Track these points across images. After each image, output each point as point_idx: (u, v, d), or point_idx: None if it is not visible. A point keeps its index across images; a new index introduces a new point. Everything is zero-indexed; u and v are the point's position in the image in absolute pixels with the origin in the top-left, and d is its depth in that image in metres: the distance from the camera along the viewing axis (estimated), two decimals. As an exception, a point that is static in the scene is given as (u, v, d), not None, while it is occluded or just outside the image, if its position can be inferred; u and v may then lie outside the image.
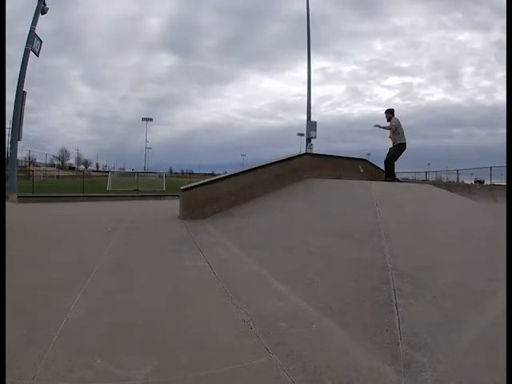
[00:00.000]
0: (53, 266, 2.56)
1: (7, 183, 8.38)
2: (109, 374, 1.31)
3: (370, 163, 7.54)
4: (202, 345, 1.54)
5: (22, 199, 8.23)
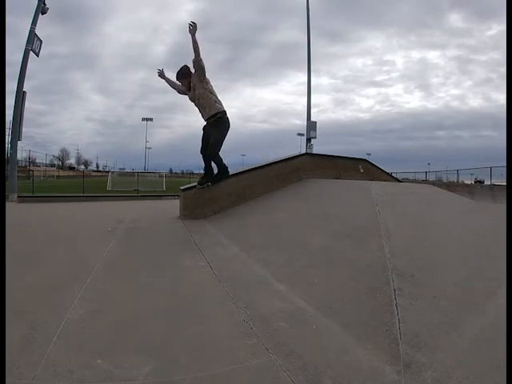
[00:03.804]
0: (52, 266, 2.56)
1: (7, 183, 8.39)
2: (109, 373, 1.31)
3: (370, 163, 7.55)
4: (201, 345, 1.54)
5: (22, 199, 8.22)
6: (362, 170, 6.95)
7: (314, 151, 10.06)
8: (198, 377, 1.31)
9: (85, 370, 1.31)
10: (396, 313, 1.74)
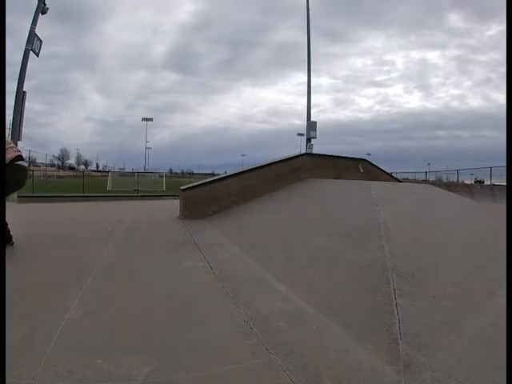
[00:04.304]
0: (52, 266, 2.55)
1: (7, 183, 8.36)
2: (109, 373, 1.31)
3: (370, 163, 7.56)
4: (201, 345, 1.54)
5: (22, 199, 8.21)
6: (361, 170, 6.96)
7: (314, 151, 10.05)
8: (197, 377, 1.31)
9: (85, 370, 1.31)
10: (396, 313, 1.74)
